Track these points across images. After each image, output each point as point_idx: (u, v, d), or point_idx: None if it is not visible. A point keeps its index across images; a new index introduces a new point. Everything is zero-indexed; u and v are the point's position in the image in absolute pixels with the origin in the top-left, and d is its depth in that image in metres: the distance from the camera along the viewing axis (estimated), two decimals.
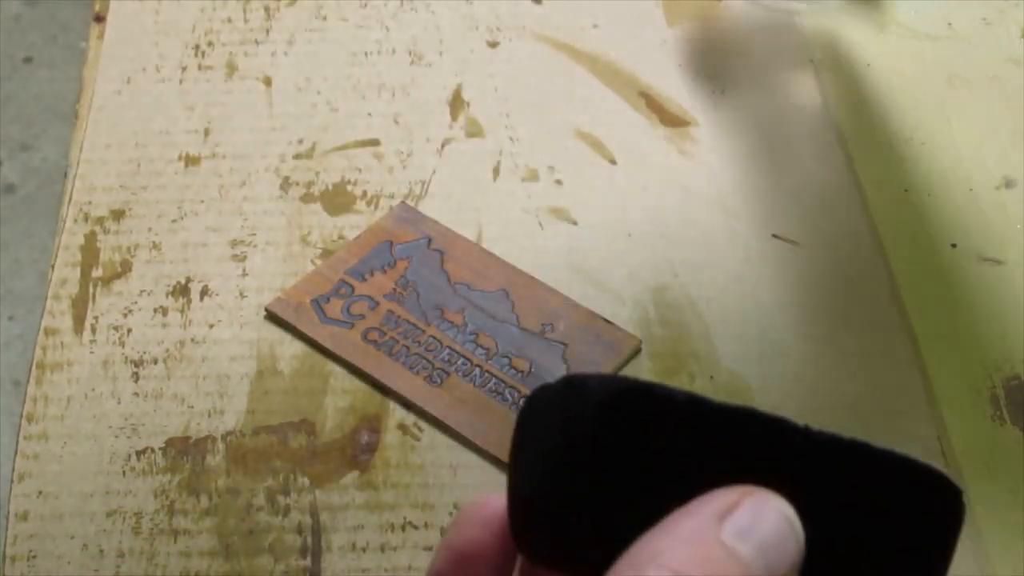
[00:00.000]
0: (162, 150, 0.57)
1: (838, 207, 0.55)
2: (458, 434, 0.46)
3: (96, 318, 0.50)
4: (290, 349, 0.49)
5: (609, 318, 0.50)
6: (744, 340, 0.50)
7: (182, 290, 0.51)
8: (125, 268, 0.52)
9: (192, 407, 0.48)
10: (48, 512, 0.45)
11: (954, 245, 0.53)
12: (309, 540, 0.44)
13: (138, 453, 0.46)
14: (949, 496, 0.32)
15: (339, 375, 0.49)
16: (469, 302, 0.50)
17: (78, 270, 0.52)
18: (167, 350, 0.49)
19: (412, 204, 0.55)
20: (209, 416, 0.47)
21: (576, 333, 0.49)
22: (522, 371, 0.48)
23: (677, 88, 0.60)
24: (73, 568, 0.43)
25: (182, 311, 0.51)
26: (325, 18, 0.64)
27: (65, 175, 0.56)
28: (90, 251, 0.53)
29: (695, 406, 0.30)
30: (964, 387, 0.49)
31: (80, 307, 0.51)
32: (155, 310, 0.51)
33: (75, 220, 0.54)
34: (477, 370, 0.48)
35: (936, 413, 0.48)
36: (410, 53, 0.62)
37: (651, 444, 0.29)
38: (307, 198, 0.55)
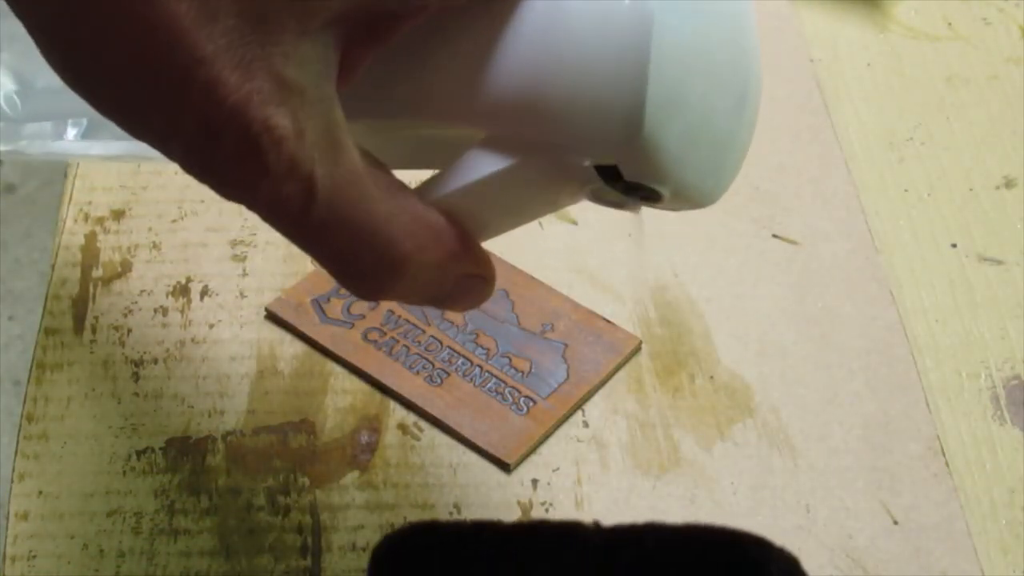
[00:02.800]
0: None
1: (838, 207, 0.55)
2: (458, 434, 0.46)
3: (96, 318, 0.50)
4: (290, 349, 0.49)
5: (609, 318, 0.50)
6: (744, 340, 0.50)
7: (182, 290, 0.51)
8: (125, 268, 0.52)
9: (192, 407, 0.48)
10: (48, 512, 0.45)
11: (954, 245, 0.53)
12: (309, 540, 0.44)
13: (138, 453, 0.46)
14: (755, 551, 0.32)
15: (339, 375, 0.49)
16: None
17: (78, 270, 0.52)
18: (167, 350, 0.49)
19: None
20: (209, 416, 0.47)
21: (576, 333, 0.49)
22: (522, 371, 0.48)
23: None
24: (73, 568, 0.43)
25: (182, 311, 0.51)
26: None
27: (65, 175, 0.56)
28: (90, 251, 0.53)
29: (487, 531, 0.33)
30: (964, 387, 0.49)
31: (80, 307, 0.51)
32: (155, 310, 0.51)
33: (75, 220, 0.54)
34: (477, 370, 0.48)
35: (936, 413, 0.48)
36: None
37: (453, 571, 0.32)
38: None
